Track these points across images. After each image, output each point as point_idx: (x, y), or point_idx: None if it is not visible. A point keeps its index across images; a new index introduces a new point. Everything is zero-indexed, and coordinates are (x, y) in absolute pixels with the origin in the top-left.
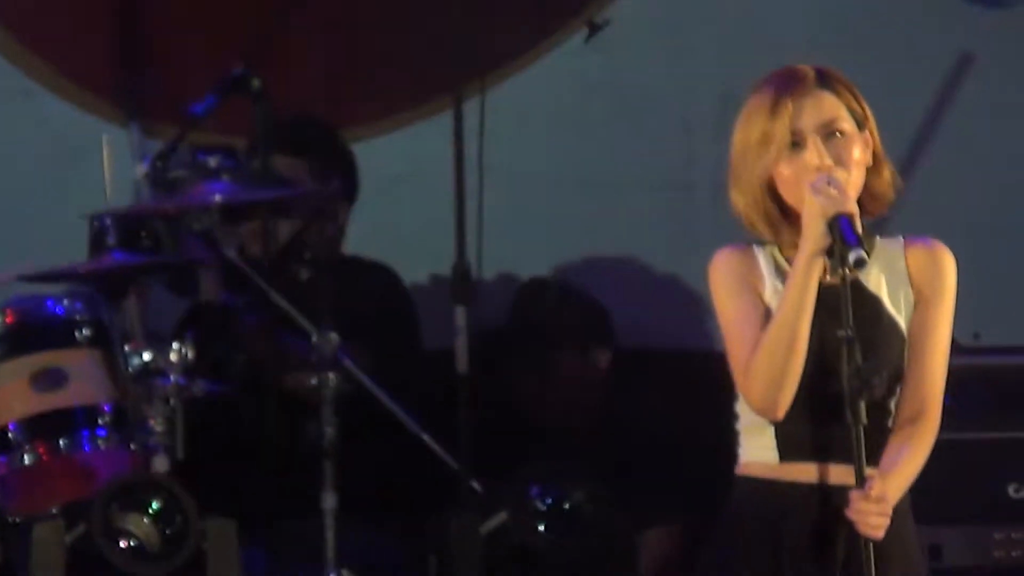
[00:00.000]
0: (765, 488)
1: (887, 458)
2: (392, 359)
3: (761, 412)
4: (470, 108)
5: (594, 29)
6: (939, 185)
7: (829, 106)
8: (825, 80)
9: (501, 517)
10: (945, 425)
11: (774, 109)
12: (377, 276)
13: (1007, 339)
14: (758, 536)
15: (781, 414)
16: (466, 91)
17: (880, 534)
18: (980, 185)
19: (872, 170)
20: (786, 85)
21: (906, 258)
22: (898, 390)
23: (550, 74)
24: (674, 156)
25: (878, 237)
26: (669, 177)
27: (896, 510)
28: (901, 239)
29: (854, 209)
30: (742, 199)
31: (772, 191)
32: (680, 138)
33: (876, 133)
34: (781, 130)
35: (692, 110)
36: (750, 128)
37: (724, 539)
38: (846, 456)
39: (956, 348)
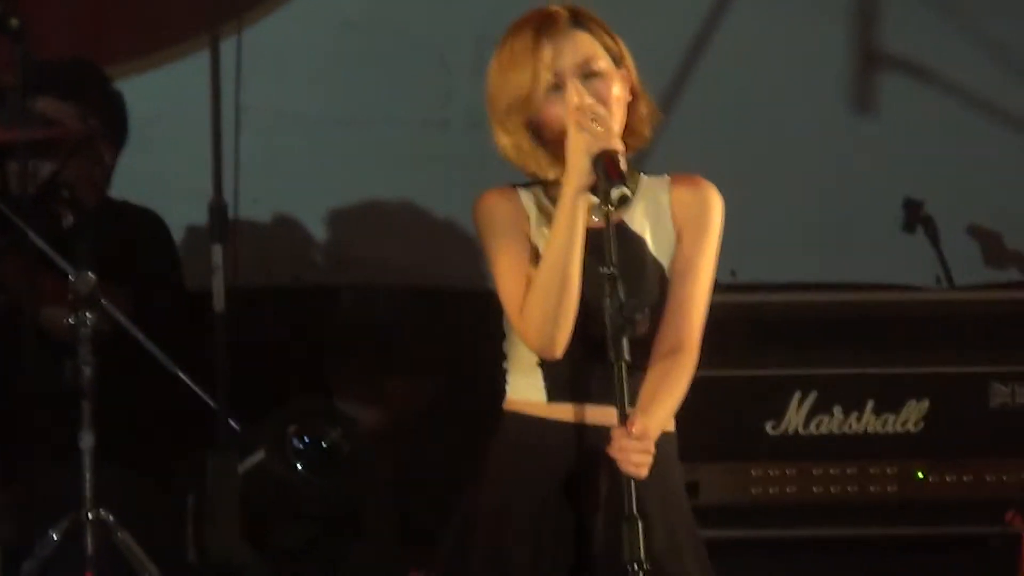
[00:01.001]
0: (533, 425)
1: (646, 392)
2: (155, 302)
3: (539, 351)
4: (227, 47)
5: None
6: (696, 123)
7: (585, 45)
8: (579, 20)
9: (259, 456)
10: (702, 362)
11: (533, 51)
12: (140, 220)
13: (763, 276)
14: (525, 473)
15: (559, 352)
16: (223, 30)
17: (643, 472)
18: (734, 122)
19: (630, 105)
20: (542, 27)
21: (671, 195)
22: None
23: (308, 13)
24: (432, 94)
25: (643, 175)
26: (427, 115)
27: (658, 446)
28: (667, 177)
29: (619, 146)
30: (508, 139)
31: (535, 131)
32: (438, 77)
33: (633, 69)
34: (542, 72)
35: (449, 49)
36: (510, 71)
37: (491, 475)
38: (612, 397)
39: (713, 285)
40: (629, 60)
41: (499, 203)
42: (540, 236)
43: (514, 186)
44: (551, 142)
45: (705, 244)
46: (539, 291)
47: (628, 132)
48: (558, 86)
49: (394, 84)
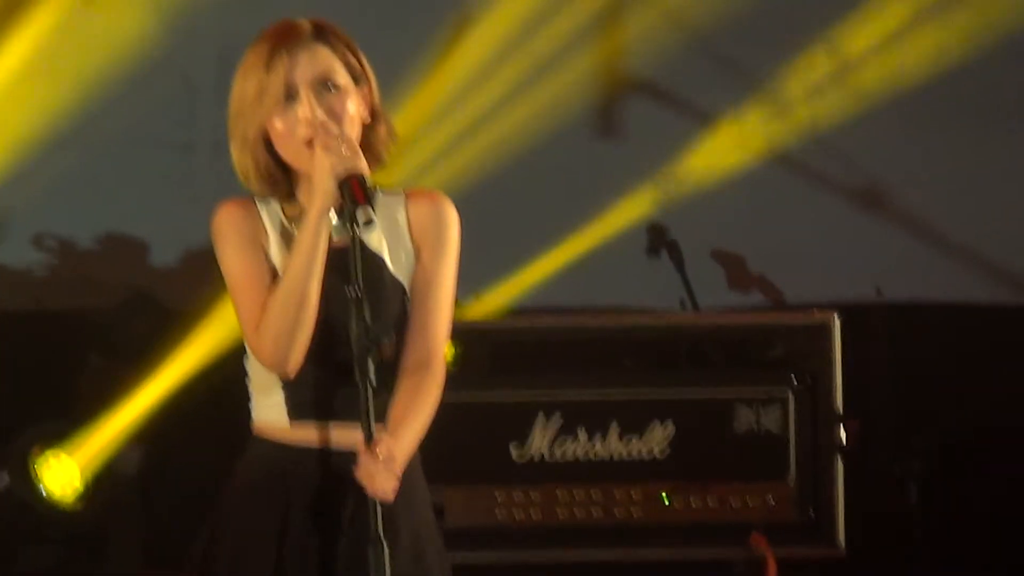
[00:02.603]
0: (276, 449)
1: (394, 414)
2: None
3: (272, 368)
4: None
5: None
6: (441, 146)
7: (323, 59)
8: (321, 34)
9: (3, 480)
10: (448, 386)
11: (269, 63)
12: None
13: (507, 300)
14: (267, 497)
15: (292, 371)
16: None
17: (390, 496)
18: (481, 146)
19: (369, 126)
20: (281, 38)
21: (407, 212)
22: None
23: (47, 31)
24: (175, 115)
25: (379, 191)
26: (170, 136)
27: (405, 470)
28: (402, 192)
29: (365, 168)
30: (239, 154)
31: (269, 146)
32: (181, 97)
33: (375, 88)
34: (275, 83)
35: (192, 70)
36: (247, 82)
37: (234, 499)
38: (357, 416)
39: (457, 309)
40: (372, 79)
41: (237, 214)
42: (279, 253)
43: (253, 198)
44: (281, 154)
45: (444, 259)
46: (276, 310)
47: (365, 151)
48: (291, 96)
49: (138, 106)
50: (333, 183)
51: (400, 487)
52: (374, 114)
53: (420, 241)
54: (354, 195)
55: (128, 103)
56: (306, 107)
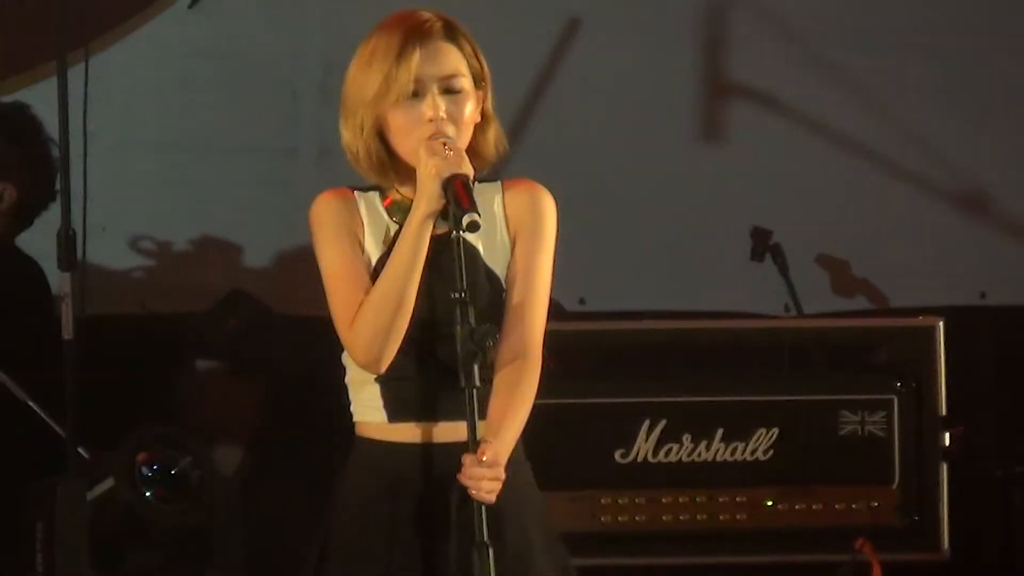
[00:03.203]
0: (378, 448)
1: (495, 411)
2: (23, 341)
3: (364, 366)
4: (74, 75)
5: None
6: (545, 150)
7: (453, 60)
8: (451, 32)
9: (108, 483)
10: (551, 389)
11: (400, 54)
12: (22, 267)
13: (612, 304)
14: (372, 496)
15: (383, 368)
16: (70, 57)
17: (493, 498)
18: (583, 151)
19: (479, 128)
20: (413, 31)
21: (504, 200)
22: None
23: (154, 39)
24: (279, 121)
25: (476, 183)
26: (274, 142)
27: (513, 471)
28: (499, 182)
29: (469, 171)
30: (350, 135)
31: (382, 133)
32: (285, 103)
33: (490, 91)
34: (405, 77)
35: (297, 75)
36: (372, 70)
37: (340, 499)
38: (456, 413)
39: (562, 313)
40: (489, 82)
41: (334, 204)
42: (375, 245)
43: (352, 189)
44: (395, 147)
45: (540, 248)
46: (373, 310)
47: (471, 153)
48: (417, 93)
49: (241, 111)
50: (438, 186)
51: (505, 485)
52: (485, 117)
53: (516, 231)
54: (459, 198)
55: (232, 108)
56: (431, 107)
